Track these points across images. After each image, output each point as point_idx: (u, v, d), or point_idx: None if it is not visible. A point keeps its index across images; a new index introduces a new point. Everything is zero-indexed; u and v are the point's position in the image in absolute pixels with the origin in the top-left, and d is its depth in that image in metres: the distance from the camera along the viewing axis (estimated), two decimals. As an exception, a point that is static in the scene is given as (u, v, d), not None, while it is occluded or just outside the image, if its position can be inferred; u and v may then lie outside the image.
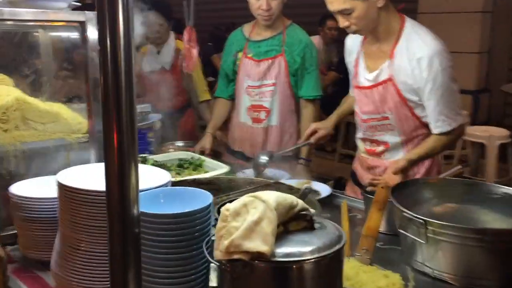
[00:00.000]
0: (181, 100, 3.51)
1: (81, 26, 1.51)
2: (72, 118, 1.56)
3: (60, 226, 1.19)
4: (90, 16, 1.51)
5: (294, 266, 0.83)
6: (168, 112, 3.49)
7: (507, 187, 1.48)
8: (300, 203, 0.92)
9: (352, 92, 2.12)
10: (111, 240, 0.88)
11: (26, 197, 1.31)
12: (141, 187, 1.15)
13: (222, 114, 2.72)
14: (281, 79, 2.48)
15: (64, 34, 1.56)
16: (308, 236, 0.89)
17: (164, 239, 0.99)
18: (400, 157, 1.99)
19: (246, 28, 2.58)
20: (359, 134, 2.11)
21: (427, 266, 1.32)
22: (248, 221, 0.84)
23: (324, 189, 1.98)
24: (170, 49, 3.50)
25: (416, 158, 1.89)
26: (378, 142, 2.03)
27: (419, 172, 2.02)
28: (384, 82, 1.87)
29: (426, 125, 1.93)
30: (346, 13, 1.78)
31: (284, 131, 2.60)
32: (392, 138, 1.97)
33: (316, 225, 0.93)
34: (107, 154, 0.86)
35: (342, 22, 1.82)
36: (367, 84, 1.95)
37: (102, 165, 0.87)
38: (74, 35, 1.52)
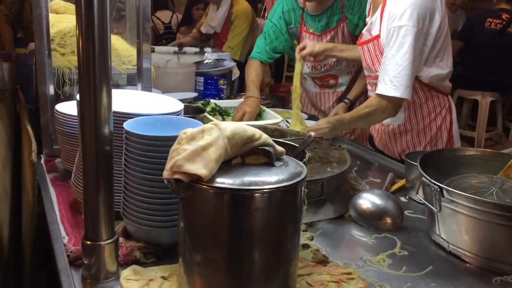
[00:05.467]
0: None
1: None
2: (124, 50, 1.67)
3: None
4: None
5: (231, 194, 0.81)
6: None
7: None
8: (264, 138, 0.89)
9: None
10: (84, 156, 0.96)
11: (65, 114, 1.45)
12: (147, 112, 1.22)
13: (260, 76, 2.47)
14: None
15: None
16: (260, 170, 0.86)
17: (145, 159, 1.04)
18: (400, 121, 1.88)
19: None
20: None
21: (443, 239, 1.19)
22: (196, 145, 0.84)
23: None
24: (222, 13, 3.88)
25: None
26: None
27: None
28: (375, 38, 1.73)
29: (425, 86, 1.80)
30: None
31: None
32: None
33: (278, 163, 0.90)
34: (81, 79, 0.92)
35: None
36: (362, 39, 1.85)
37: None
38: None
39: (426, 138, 1.85)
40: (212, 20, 4.07)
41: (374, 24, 1.74)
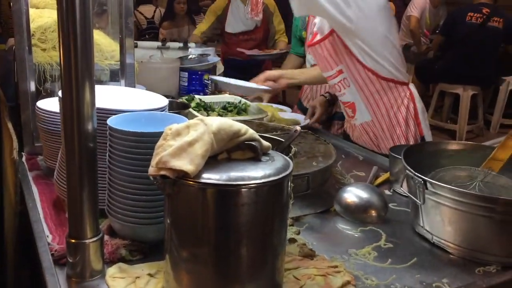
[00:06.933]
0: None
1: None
2: (106, 45, 1.64)
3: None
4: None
5: (217, 189, 0.81)
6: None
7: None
8: (249, 133, 0.89)
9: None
10: (67, 154, 0.94)
11: (47, 111, 1.43)
12: (131, 108, 1.20)
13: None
14: None
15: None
16: (247, 165, 0.86)
17: (130, 156, 1.03)
18: (367, 119, 1.90)
19: None
20: None
21: (427, 231, 1.21)
22: (181, 141, 0.84)
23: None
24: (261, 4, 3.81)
25: None
26: (344, 103, 1.97)
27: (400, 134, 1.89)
28: (330, 34, 1.75)
29: (382, 79, 1.80)
30: None
31: None
32: (352, 96, 1.88)
33: (264, 158, 0.90)
34: (63, 75, 0.90)
35: None
36: (315, 39, 1.86)
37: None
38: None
39: (396, 131, 1.86)
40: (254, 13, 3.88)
41: (324, 24, 1.76)
